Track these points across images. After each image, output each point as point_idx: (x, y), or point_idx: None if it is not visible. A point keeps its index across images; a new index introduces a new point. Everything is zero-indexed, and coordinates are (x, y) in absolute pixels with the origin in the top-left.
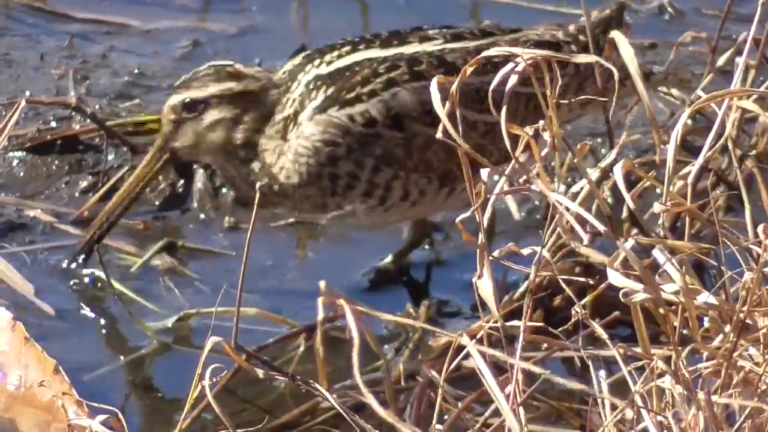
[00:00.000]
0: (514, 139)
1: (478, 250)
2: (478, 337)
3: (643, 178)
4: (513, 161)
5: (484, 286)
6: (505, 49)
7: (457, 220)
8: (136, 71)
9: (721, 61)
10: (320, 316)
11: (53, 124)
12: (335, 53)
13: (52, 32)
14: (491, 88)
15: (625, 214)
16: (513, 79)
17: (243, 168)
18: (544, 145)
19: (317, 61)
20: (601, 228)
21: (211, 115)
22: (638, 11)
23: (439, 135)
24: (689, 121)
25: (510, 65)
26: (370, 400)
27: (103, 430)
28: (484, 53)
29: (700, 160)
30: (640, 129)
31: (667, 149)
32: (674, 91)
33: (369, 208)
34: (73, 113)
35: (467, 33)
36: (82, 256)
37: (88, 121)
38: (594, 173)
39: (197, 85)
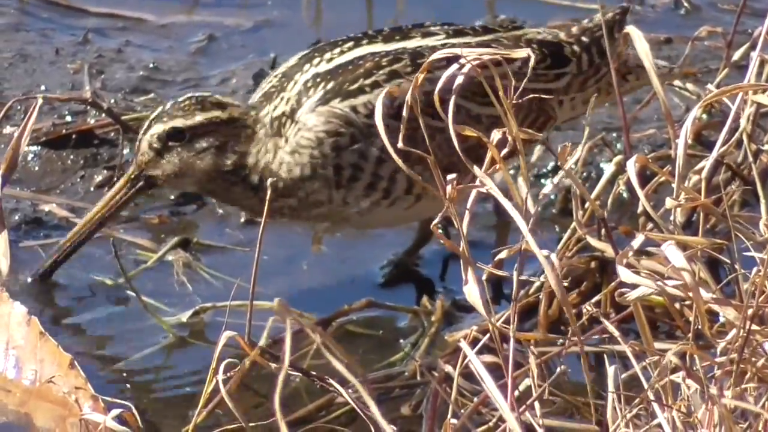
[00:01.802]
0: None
1: (461, 258)
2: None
3: (658, 173)
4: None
5: (471, 292)
6: (448, 51)
7: (432, 225)
8: (152, 66)
9: (736, 56)
10: (265, 333)
11: (68, 118)
12: (337, 50)
13: (67, 27)
14: (437, 89)
15: (640, 209)
16: (459, 80)
17: (234, 188)
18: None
19: (317, 60)
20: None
21: (199, 144)
22: (654, 6)
23: (400, 144)
24: (704, 116)
25: (455, 66)
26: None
27: (116, 425)
28: (433, 56)
29: (714, 154)
30: (655, 124)
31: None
32: (690, 86)
33: (374, 203)
34: (89, 107)
35: (469, 29)
36: (41, 277)
37: (104, 115)
38: (609, 168)
39: (182, 114)
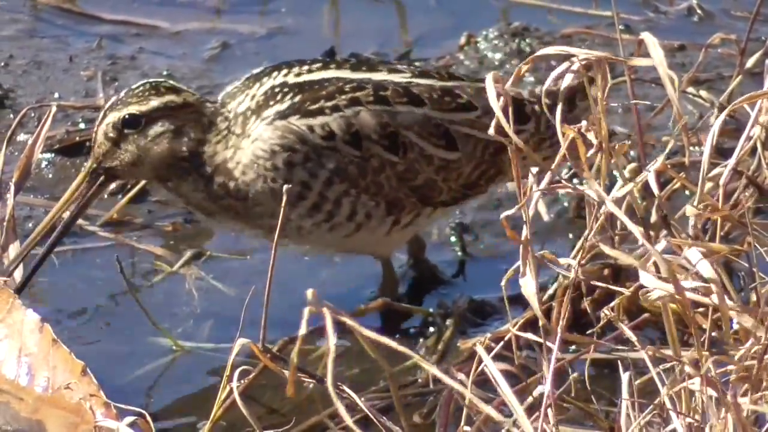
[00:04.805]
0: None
1: (521, 247)
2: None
3: (671, 180)
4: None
5: (527, 285)
6: (561, 48)
7: (502, 216)
8: (165, 73)
9: (750, 63)
10: (303, 326)
11: (82, 125)
12: (305, 67)
13: (81, 34)
14: (545, 87)
15: (654, 217)
16: (568, 78)
17: (188, 178)
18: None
19: (285, 71)
20: (636, 231)
21: (155, 129)
22: (667, 13)
23: (491, 131)
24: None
25: (565, 64)
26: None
27: (131, 431)
28: (540, 52)
29: (732, 161)
30: (669, 131)
31: (696, 151)
32: (703, 93)
33: (315, 224)
34: None
35: (434, 72)
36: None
37: None
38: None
39: (137, 101)
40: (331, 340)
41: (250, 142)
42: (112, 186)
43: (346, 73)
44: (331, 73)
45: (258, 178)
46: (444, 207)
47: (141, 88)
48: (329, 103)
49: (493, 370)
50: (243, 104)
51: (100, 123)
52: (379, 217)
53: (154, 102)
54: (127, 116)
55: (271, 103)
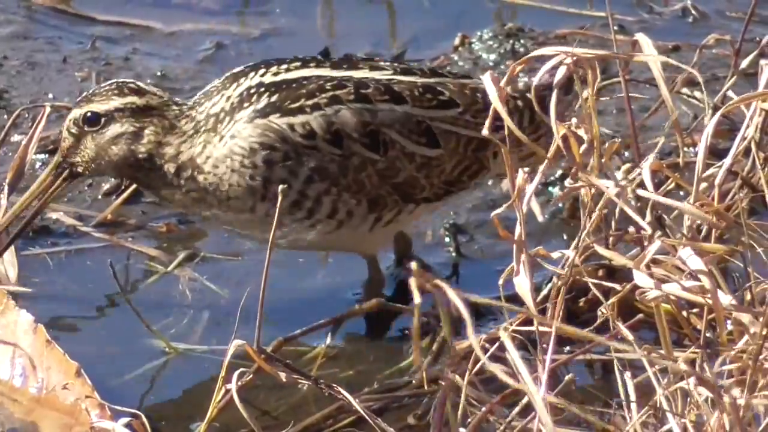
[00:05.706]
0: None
1: (514, 246)
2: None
3: (666, 181)
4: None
5: (521, 283)
6: (555, 48)
7: (493, 214)
8: (159, 74)
9: (744, 64)
10: (416, 297)
11: None
12: (284, 66)
13: (75, 34)
14: (534, 84)
15: (648, 217)
16: (560, 72)
17: (152, 175)
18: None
19: (262, 71)
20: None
21: (113, 129)
22: (661, 13)
23: (485, 132)
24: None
25: (555, 60)
26: (494, 367)
27: None
28: (536, 52)
29: (728, 161)
30: (662, 132)
31: (691, 152)
32: (697, 94)
33: (296, 221)
34: None
35: (417, 69)
36: None
37: None
38: (618, 176)
39: (99, 99)
40: (463, 311)
41: (225, 139)
42: (107, 187)
43: (326, 71)
44: (310, 72)
45: (232, 172)
46: (427, 203)
47: (107, 87)
48: (309, 102)
49: (515, 356)
50: (217, 105)
51: (67, 118)
52: (361, 215)
53: (115, 102)
54: (87, 114)
55: (246, 105)
